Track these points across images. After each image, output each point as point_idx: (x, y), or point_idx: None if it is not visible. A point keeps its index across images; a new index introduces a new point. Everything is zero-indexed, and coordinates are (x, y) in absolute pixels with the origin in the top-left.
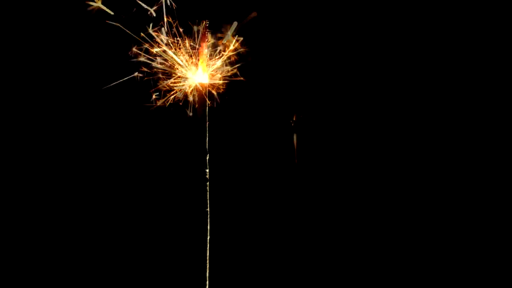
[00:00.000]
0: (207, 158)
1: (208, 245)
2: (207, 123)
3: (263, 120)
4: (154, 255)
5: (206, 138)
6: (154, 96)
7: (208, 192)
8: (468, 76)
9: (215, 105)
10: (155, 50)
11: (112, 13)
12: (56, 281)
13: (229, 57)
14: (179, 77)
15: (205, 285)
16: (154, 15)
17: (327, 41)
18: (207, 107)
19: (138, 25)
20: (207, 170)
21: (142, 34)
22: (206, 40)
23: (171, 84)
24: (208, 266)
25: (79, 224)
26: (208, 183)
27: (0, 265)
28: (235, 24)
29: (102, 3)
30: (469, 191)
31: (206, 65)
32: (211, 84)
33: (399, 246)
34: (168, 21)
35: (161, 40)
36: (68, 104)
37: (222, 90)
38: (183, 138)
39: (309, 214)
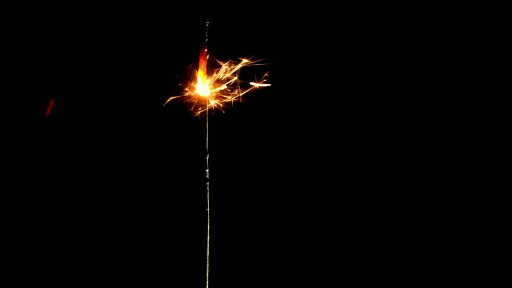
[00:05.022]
0: (207, 158)
1: (208, 245)
2: (207, 123)
3: (263, 120)
4: (154, 255)
5: (206, 138)
6: (154, 100)
7: (208, 192)
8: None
9: (214, 108)
10: None
11: None
12: (55, 281)
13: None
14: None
15: (205, 285)
16: None
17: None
18: (207, 108)
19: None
20: (207, 170)
21: None
22: (206, 51)
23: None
24: (208, 266)
25: (78, 225)
26: (208, 183)
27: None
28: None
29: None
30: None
31: (206, 76)
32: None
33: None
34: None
35: None
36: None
37: (222, 96)
38: (183, 138)
39: (310, 214)
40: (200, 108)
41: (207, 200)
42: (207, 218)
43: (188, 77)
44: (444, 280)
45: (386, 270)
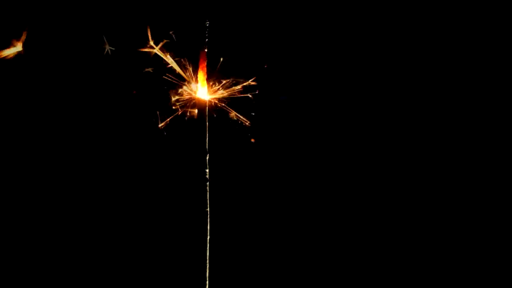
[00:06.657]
0: (207, 158)
1: (208, 245)
2: (207, 123)
3: (263, 120)
4: (154, 255)
5: (206, 138)
6: (154, 100)
7: (208, 192)
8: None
9: (214, 109)
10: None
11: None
12: (55, 281)
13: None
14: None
15: (205, 285)
16: None
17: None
18: (207, 109)
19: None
20: (207, 170)
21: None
22: (206, 51)
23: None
24: (208, 266)
25: (79, 224)
26: (208, 183)
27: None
28: None
29: None
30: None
31: (205, 80)
32: (211, 94)
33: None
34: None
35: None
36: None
37: (221, 99)
38: (183, 138)
39: (309, 214)
40: (200, 109)
41: (207, 200)
42: (207, 218)
43: (189, 78)
44: (443, 280)
45: (385, 270)
